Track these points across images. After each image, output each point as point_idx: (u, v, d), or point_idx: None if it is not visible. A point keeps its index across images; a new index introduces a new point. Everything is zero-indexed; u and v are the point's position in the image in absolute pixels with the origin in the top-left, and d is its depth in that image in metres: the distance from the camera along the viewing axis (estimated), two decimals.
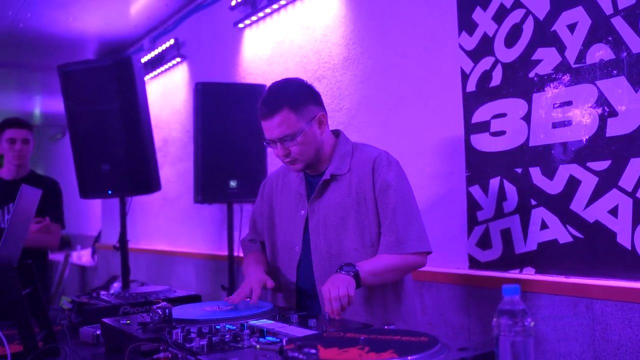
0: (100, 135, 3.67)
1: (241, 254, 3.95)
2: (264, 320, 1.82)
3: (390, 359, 1.28)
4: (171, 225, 5.52)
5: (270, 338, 1.57)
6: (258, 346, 1.40)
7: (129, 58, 3.65)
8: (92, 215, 8.59)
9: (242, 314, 1.88)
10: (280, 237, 2.24)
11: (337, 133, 2.23)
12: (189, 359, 1.46)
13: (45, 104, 9.27)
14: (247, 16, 4.13)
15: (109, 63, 3.63)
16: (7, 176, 3.48)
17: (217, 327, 1.70)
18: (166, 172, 5.49)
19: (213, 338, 1.52)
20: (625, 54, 2.13)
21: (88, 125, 3.70)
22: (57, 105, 9.02)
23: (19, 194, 1.75)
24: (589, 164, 2.24)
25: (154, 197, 5.51)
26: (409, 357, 1.28)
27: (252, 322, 1.78)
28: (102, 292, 2.54)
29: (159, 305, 1.90)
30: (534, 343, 2.34)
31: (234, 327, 1.70)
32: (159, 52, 5.38)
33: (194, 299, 2.40)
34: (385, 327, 1.64)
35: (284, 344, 1.43)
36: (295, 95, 2.05)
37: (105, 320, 1.95)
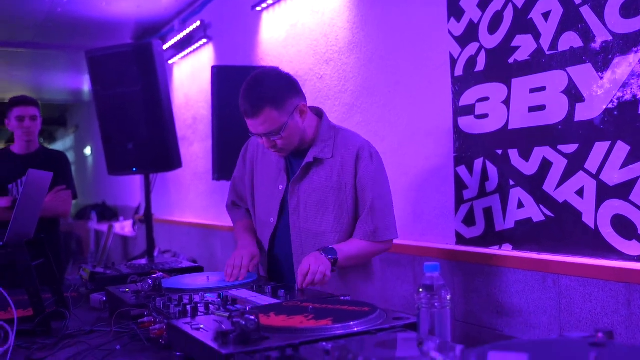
0: (125, 117, 3.93)
1: None
2: (243, 289, 2.03)
3: (325, 326, 1.48)
4: (200, 199, 5.81)
5: (238, 306, 1.78)
6: (215, 313, 1.62)
7: (149, 44, 3.88)
8: (134, 187, 8.98)
9: (225, 284, 2.10)
10: (258, 205, 2.37)
11: (319, 113, 2.30)
12: (165, 322, 1.69)
13: None
14: None
15: (130, 49, 3.86)
16: (19, 151, 3.67)
17: (197, 295, 1.92)
18: (195, 148, 5.77)
19: (187, 306, 1.75)
20: (591, 42, 2.23)
21: (114, 107, 3.96)
22: None
23: (25, 179, 1.99)
24: (559, 147, 2.36)
25: (186, 172, 5.80)
26: (338, 325, 1.47)
27: (231, 291, 2.00)
28: (131, 262, 2.82)
29: (153, 275, 2.14)
30: (511, 315, 2.50)
31: (212, 296, 1.93)
32: (187, 34, 5.61)
33: (196, 269, 2.64)
34: (342, 297, 1.83)
35: (243, 311, 1.65)
36: (276, 90, 2.10)
37: (109, 288, 2.21)
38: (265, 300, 1.87)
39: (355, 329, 1.48)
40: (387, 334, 1.45)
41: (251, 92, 2.12)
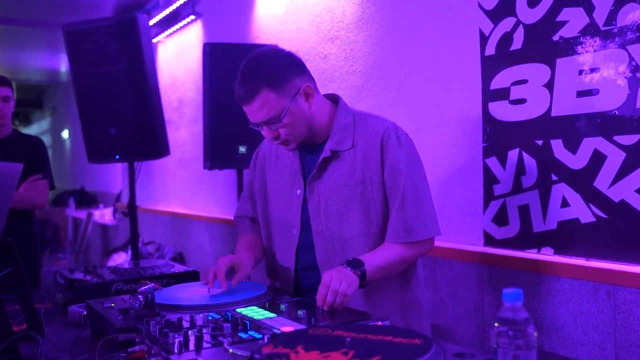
0: (107, 98, 3.54)
1: None
2: (253, 307, 1.69)
3: None
4: (186, 187, 5.44)
5: (252, 333, 1.44)
6: (231, 350, 1.27)
7: (134, 17, 3.49)
8: (115, 172, 8.56)
9: (230, 299, 1.75)
10: (275, 217, 2.05)
11: (334, 99, 1.98)
12: (163, 355, 1.35)
13: None
14: None
15: (113, 22, 3.47)
16: None
17: (198, 315, 1.58)
18: (182, 133, 5.39)
19: (189, 333, 1.41)
20: None
21: (94, 87, 3.57)
22: None
23: None
24: (616, 138, 2.04)
25: (171, 159, 5.42)
26: None
27: (240, 309, 1.66)
28: (115, 266, 2.43)
29: (143, 288, 1.79)
30: (552, 329, 2.20)
31: (218, 317, 1.59)
32: (173, 9, 5.21)
33: (192, 275, 2.29)
34: (380, 322, 1.50)
35: (262, 343, 1.31)
36: (273, 70, 1.81)
37: (90, 301, 1.86)
38: (282, 322, 1.53)
39: None
40: None
41: (246, 74, 1.82)
